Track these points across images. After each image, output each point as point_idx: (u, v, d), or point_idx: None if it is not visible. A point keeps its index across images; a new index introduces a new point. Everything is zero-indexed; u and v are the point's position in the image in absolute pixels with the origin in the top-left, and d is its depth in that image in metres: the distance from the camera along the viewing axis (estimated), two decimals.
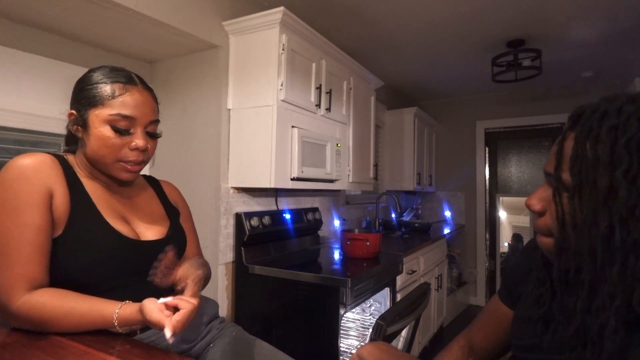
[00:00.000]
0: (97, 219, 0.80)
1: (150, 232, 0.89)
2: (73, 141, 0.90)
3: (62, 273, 0.76)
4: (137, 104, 0.82)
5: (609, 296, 0.46)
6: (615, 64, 3.01)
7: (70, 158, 0.85)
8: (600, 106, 0.50)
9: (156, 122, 0.87)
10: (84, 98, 0.81)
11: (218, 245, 1.77)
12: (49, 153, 0.81)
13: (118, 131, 0.80)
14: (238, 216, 1.81)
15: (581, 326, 0.50)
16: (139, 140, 0.82)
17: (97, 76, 0.83)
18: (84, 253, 0.77)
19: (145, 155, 0.85)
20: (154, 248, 0.87)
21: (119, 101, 0.80)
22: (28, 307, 0.71)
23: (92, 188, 0.84)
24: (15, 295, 0.71)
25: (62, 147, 0.97)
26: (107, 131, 0.79)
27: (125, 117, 0.80)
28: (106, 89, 0.80)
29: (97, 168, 0.84)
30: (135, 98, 0.82)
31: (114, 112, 0.79)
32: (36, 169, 0.75)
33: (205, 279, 0.92)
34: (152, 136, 0.86)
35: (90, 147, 0.81)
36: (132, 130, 0.82)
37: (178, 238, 0.96)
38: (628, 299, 0.45)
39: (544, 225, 0.55)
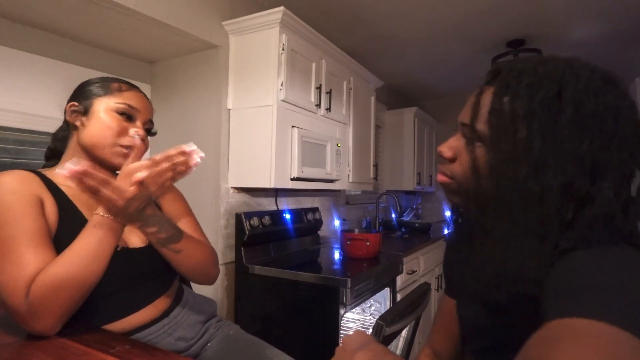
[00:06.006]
0: (84, 225, 0.78)
1: (135, 238, 0.88)
2: (54, 155, 0.94)
3: None
4: (140, 101, 0.90)
5: (522, 238, 0.49)
6: (615, 64, 3.01)
7: (47, 172, 0.85)
8: (518, 65, 0.54)
9: (152, 122, 0.94)
10: (88, 91, 0.87)
11: (218, 245, 1.77)
12: (22, 170, 0.81)
13: (123, 114, 0.86)
14: (238, 216, 1.81)
15: (499, 270, 0.51)
16: (139, 129, 0.88)
17: (100, 77, 0.91)
18: None
19: (143, 146, 0.88)
20: (142, 255, 0.87)
21: (126, 94, 0.88)
22: (37, 286, 0.67)
23: (76, 196, 0.84)
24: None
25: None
26: (111, 117, 0.85)
27: (131, 106, 0.87)
28: (114, 84, 0.89)
29: (91, 154, 0.85)
30: (138, 95, 0.91)
31: (121, 100, 0.86)
32: (21, 182, 0.76)
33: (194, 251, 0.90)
34: (148, 133, 0.93)
35: (89, 132, 0.84)
36: (133, 121, 0.88)
37: None
38: (540, 245, 0.48)
39: (448, 170, 0.60)
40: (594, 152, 0.47)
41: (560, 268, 0.46)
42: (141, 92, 0.93)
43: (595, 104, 0.48)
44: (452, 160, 0.59)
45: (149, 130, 0.93)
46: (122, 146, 0.85)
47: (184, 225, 0.97)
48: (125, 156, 0.85)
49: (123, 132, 0.85)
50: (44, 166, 0.94)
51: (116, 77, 0.94)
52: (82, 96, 0.87)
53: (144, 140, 0.88)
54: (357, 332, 0.52)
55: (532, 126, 0.48)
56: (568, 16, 2.21)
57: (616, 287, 0.40)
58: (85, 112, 0.85)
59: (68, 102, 0.89)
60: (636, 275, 0.41)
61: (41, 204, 0.76)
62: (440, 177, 0.62)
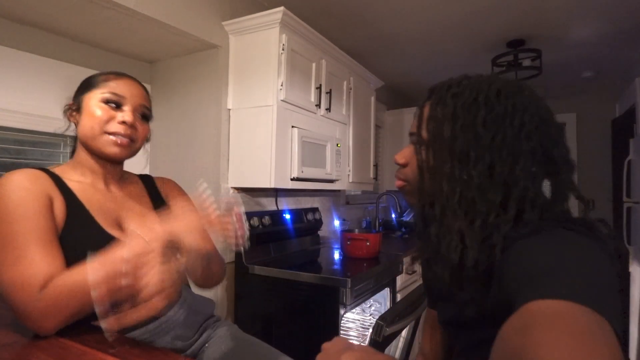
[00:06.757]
0: (91, 223, 0.82)
1: (141, 233, 0.90)
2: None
3: None
4: (127, 87, 0.89)
5: (452, 219, 0.60)
6: (615, 64, 3.01)
7: (56, 170, 0.87)
8: (448, 81, 0.67)
9: (147, 108, 0.93)
10: (80, 88, 0.90)
11: (218, 245, 1.77)
12: (33, 168, 0.83)
13: (108, 103, 0.86)
14: None
15: (436, 249, 0.63)
16: (127, 115, 0.87)
17: (93, 74, 0.93)
18: (81, 258, 0.76)
19: (134, 133, 0.89)
20: None
21: (111, 83, 0.88)
22: (54, 283, 0.69)
23: (83, 193, 0.85)
24: (41, 287, 0.69)
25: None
26: (97, 106, 0.86)
27: (115, 93, 0.87)
28: (100, 77, 0.90)
29: (88, 148, 0.88)
30: (125, 82, 0.90)
31: (105, 90, 0.87)
32: (32, 180, 0.77)
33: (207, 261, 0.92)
34: (144, 118, 0.93)
35: (81, 126, 0.87)
36: (122, 108, 0.88)
37: None
38: (470, 223, 0.58)
39: (402, 174, 0.72)
40: (508, 143, 0.57)
41: (513, 256, 0.52)
42: (131, 78, 0.93)
43: (504, 105, 0.59)
44: (405, 165, 0.71)
45: (144, 116, 0.93)
46: (109, 133, 0.86)
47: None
48: (117, 144, 0.86)
49: (110, 120, 0.86)
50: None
51: (111, 70, 0.94)
52: (75, 95, 0.90)
53: (133, 127, 0.88)
54: (337, 338, 0.56)
55: (456, 126, 0.60)
56: (568, 16, 2.20)
57: (568, 268, 0.46)
58: (78, 108, 0.89)
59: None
60: (582, 255, 0.48)
61: (50, 202, 0.77)
62: (397, 182, 0.74)
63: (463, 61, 2.95)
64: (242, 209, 0.81)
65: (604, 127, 3.57)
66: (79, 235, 0.79)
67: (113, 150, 0.86)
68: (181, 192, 1.10)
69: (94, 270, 0.66)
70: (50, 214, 0.76)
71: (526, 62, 2.55)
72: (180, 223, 0.73)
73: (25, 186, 0.75)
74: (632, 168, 2.53)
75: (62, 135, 1.55)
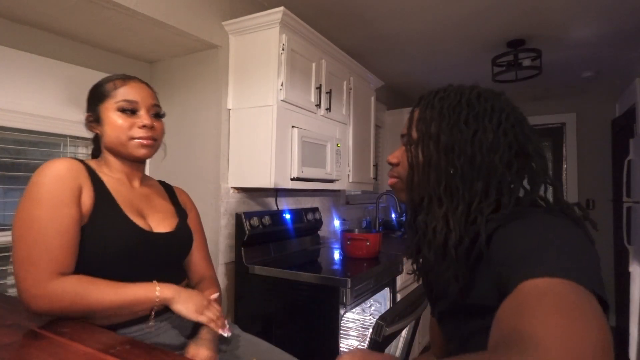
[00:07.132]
0: (117, 212, 0.89)
1: (161, 226, 0.98)
2: (97, 156, 1.04)
3: (84, 260, 0.83)
4: (136, 91, 0.96)
5: (438, 207, 0.67)
6: (615, 64, 3.01)
7: (91, 163, 0.95)
8: (436, 89, 0.75)
9: (157, 106, 0.99)
10: (92, 99, 0.96)
11: (218, 245, 1.77)
12: (72, 158, 0.91)
13: (125, 111, 0.93)
14: (238, 216, 1.81)
15: (423, 234, 0.70)
16: (144, 119, 0.94)
17: (100, 81, 0.98)
18: (105, 241, 0.85)
19: (154, 133, 0.96)
20: (166, 239, 0.96)
21: (121, 91, 0.94)
22: (65, 284, 0.78)
23: (113, 185, 0.93)
24: (50, 277, 0.77)
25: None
26: (116, 116, 0.93)
27: (128, 101, 0.93)
28: (109, 85, 0.95)
29: (117, 153, 0.95)
30: (133, 86, 0.96)
31: (118, 99, 0.93)
32: (69, 170, 0.85)
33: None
34: (157, 116, 0.99)
35: (107, 135, 0.94)
36: (138, 113, 0.94)
37: (184, 234, 1.05)
38: (454, 209, 0.65)
39: (395, 172, 0.79)
40: (487, 137, 0.65)
41: (498, 242, 0.57)
42: (137, 80, 0.98)
43: (483, 106, 0.67)
44: (397, 164, 0.78)
45: (157, 114, 0.99)
46: (135, 138, 0.93)
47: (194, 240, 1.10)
48: (144, 145, 0.94)
49: (132, 126, 0.93)
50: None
51: (114, 74, 0.99)
52: (91, 106, 0.96)
53: (153, 128, 0.95)
54: None
55: (442, 124, 0.68)
56: (568, 16, 2.20)
57: (552, 247, 0.50)
58: (97, 120, 0.95)
59: (86, 110, 0.98)
60: (563, 234, 0.53)
61: (80, 192, 0.85)
62: (390, 180, 0.80)
63: (463, 61, 2.95)
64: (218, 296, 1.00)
65: (604, 127, 3.57)
66: (106, 221, 0.86)
67: (142, 152, 0.95)
68: (194, 206, 1.18)
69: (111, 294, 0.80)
70: (77, 204, 0.83)
71: (526, 62, 2.55)
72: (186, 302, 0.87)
73: (62, 175, 0.82)
74: (632, 168, 2.53)
75: (62, 135, 1.56)
